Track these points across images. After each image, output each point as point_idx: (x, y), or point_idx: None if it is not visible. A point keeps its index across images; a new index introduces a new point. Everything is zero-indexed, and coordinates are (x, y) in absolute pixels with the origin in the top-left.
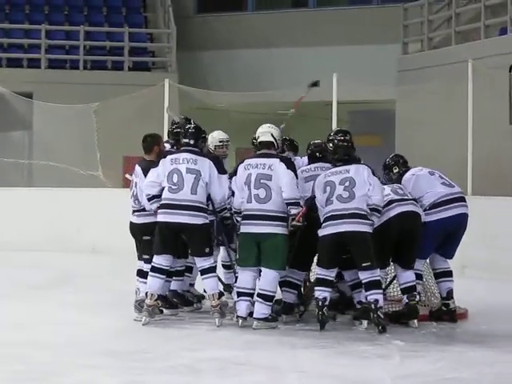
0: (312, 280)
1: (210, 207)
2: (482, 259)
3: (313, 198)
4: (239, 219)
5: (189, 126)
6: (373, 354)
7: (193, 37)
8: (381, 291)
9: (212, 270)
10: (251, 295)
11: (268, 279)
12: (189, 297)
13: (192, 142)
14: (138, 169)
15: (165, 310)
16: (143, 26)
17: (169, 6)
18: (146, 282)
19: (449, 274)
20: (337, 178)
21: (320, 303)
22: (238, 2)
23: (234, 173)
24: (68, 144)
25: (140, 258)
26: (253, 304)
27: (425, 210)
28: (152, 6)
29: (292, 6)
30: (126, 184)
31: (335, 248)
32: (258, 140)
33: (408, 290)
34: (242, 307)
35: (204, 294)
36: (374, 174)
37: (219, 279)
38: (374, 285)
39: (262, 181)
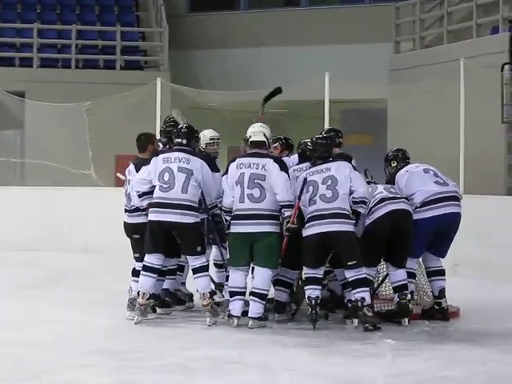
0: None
1: (202, 205)
2: (473, 258)
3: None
4: (228, 218)
5: (181, 125)
6: (365, 352)
7: (185, 36)
8: (367, 289)
9: (204, 268)
10: (244, 294)
11: (262, 278)
12: (180, 296)
13: (185, 141)
14: (131, 166)
15: (158, 309)
16: (135, 25)
17: (161, 5)
18: (138, 281)
19: (441, 272)
20: (319, 177)
21: (313, 302)
22: (231, 0)
23: (226, 171)
24: (60, 143)
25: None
26: (246, 303)
27: (415, 208)
28: (144, 5)
29: (284, 5)
30: (119, 183)
31: (320, 248)
32: (250, 140)
33: (400, 289)
34: (236, 307)
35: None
36: (355, 169)
37: (211, 278)
38: (360, 283)
39: (255, 181)
